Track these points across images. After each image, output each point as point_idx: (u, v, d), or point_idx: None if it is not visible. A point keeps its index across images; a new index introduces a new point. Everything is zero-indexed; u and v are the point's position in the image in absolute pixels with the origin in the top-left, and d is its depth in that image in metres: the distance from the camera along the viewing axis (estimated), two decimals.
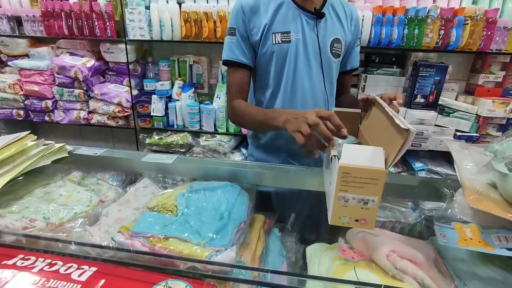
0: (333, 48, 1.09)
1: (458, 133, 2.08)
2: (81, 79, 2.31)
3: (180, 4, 2.15)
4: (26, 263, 0.56)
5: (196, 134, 2.47)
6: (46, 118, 2.56)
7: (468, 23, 1.83)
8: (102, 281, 0.55)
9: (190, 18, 2.10)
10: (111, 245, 0.61)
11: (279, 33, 1.03)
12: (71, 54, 2.41)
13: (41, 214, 0.73)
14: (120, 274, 0.57)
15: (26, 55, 2.50)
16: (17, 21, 2.41)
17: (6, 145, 0.84)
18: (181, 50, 2.48)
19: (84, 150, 1.04)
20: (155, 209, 0.73)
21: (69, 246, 0.57)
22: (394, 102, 0.88)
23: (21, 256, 0.58)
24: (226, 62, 1.09)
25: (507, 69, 2.05)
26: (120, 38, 2.26)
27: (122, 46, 2.28)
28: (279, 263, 0.76)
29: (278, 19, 1.03)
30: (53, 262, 0.56)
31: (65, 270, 0.55)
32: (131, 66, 2.40)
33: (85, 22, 2.22)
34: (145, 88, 2.47)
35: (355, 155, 0.59)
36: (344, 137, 0.71)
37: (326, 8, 1.08)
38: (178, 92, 2.41)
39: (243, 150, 2.40)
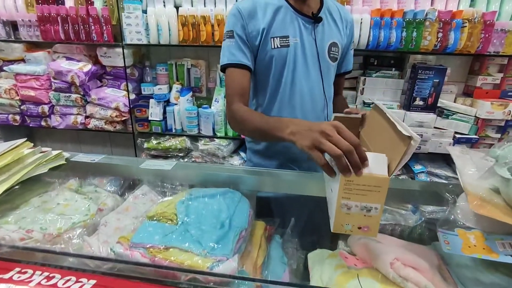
0: (331, 52, 1.10)
1: (457, 135, 2.08)
2: (78, 84, 2.29)
3: (177, 8, 2.14)
4: (23, 276, 0.55)
5: (195, 138, 2.45)
6: (43, 123, 2.54)
7: (466, 26, 1.83)
8: None
9: (187, 22, 2.09)
10: (110, 257, 0.60)
11: (278, 38, 1.03)
12: (68, 58, 2.40)
13: (38, 225, 0.71)
14: (120, 286, 0.56)
15: (22, 60, 2.48)
16: (13, 25, 2.39)
17: (2, 153, 0.83)
18: (178, 54, 2.47)
19: (82, 157, 1.03)
20: (155, 218, 0.72)
21: (68, 259, 0.56)
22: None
23: (18, 269, 0.56)
24: (226, 66, 1.04)
25: (505, 71, 2.06)
26: (117, 42, 2.24)
27: (119, 50, 2.26)
28: (281, 271, 0.75)
29: (276, 23, 1.03)
30: (51, 275, 0.55)
31: (63, 284, 0.54)
32: (128, 70, 2.38)
33: (82, 27, 2.21)
34: (143, 92, 2.45)
35: None
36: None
37: (323, 12, 1.08)
38: (176, 96, 2.39)
39: (242, 154, 2.39)
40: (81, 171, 1.00)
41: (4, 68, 2.44)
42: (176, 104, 2.41)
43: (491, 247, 0.63)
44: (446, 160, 2.24)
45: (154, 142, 2.43)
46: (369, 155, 0.58)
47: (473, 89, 2.11)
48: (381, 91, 2.13)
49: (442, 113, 2.07)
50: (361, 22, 1.90)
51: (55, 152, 0.97)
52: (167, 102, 2.45)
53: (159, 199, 0.88)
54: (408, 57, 2.09)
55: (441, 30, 1.86)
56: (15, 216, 0.74)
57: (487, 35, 1.85)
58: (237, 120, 1.00)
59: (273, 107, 1.10)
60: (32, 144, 0.95)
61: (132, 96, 2.43)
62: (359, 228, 0.60)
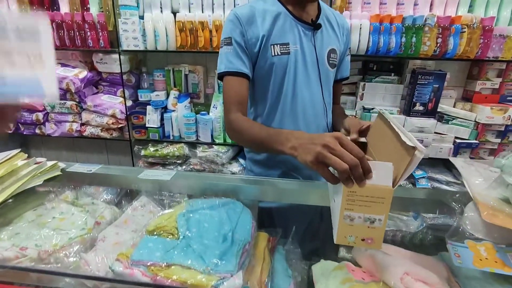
0: (330, 59, 1.09)
1: (458, 140, 2.07)
2: (73, 91, 2.26)
3: (174, 13, 2.12)
4: None
5: (193, 145, 2.42)
6: (37, 131, 2.49)
7: (465, 31, 1.83)
8: None
9: (185, 27, 2.07)
10: (109, 276, 0.57)
11: (278, 45, 1.01)
12: (63, 65, 2.36)
13: (33, 241, 0.68)
14: None
15: None
16: None
17: None
18: (176, 59, 2.45)
19: (78, 167, 1.00)
20: (155, 233, 0.69)
21: (64, 279, 0.53)
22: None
23: None
24: (223, 74, 1.01)
25: (504, 76, 2.06)
26: (114, 48, 2.21)
27: (116, 56, 2.24)
28: (286, 286, 0.72)
29: (276, 30, 1.01)
30: None
31: None
32: (125, 77, 2.35)
33: (77, 33, 2.18)
34: (140, 99, 2.42)
35: None
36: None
37: (321, 19, 1.07)
38: (173, 102, 2.37)
39: (241, 161, 2.36)
40: (77, 182, 0.97)
41: None
42: (173, 110, 2.38)
43: (504, 260, 0.61)
44: (446, 165, 2.23)
45: (152, 149, 2.39)
46: (375, 164, 0.56)
47: (472, 94, 2.11)
48: (380, 97, 2.12)
49: (442, 118, 2.06)
50: (360, 28, 1.89)
51: (50, 163, 0.94)
52: (165, 109, 2.42)
53: (159, 210, 0.85)
54: (407, 62, 2.08)
55: (440, 36, 1.85)
56: (8, 233, 0.71)
57: (486, 40, 1.85)
58: (235, 130, 0.97)
59: (274, 116, 1.07)
60: (26, 155, 0.92)
61: (129, 103, 2.39)
62: (363, 240, 0.59)
